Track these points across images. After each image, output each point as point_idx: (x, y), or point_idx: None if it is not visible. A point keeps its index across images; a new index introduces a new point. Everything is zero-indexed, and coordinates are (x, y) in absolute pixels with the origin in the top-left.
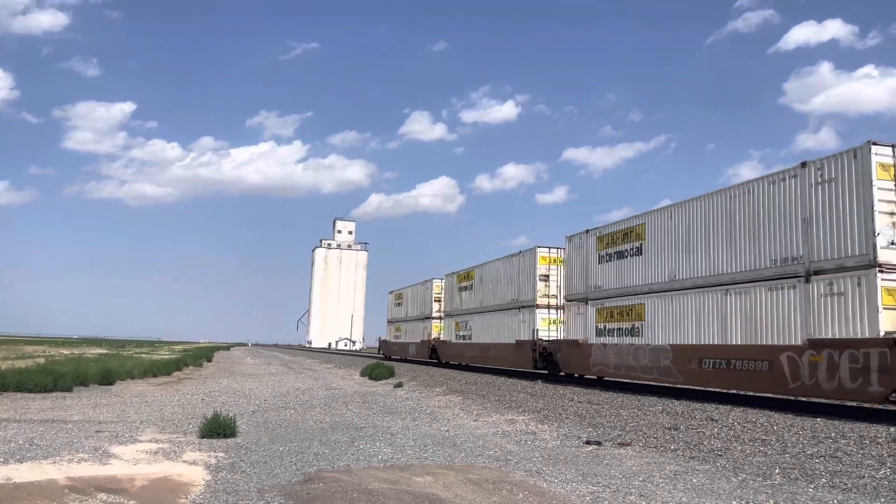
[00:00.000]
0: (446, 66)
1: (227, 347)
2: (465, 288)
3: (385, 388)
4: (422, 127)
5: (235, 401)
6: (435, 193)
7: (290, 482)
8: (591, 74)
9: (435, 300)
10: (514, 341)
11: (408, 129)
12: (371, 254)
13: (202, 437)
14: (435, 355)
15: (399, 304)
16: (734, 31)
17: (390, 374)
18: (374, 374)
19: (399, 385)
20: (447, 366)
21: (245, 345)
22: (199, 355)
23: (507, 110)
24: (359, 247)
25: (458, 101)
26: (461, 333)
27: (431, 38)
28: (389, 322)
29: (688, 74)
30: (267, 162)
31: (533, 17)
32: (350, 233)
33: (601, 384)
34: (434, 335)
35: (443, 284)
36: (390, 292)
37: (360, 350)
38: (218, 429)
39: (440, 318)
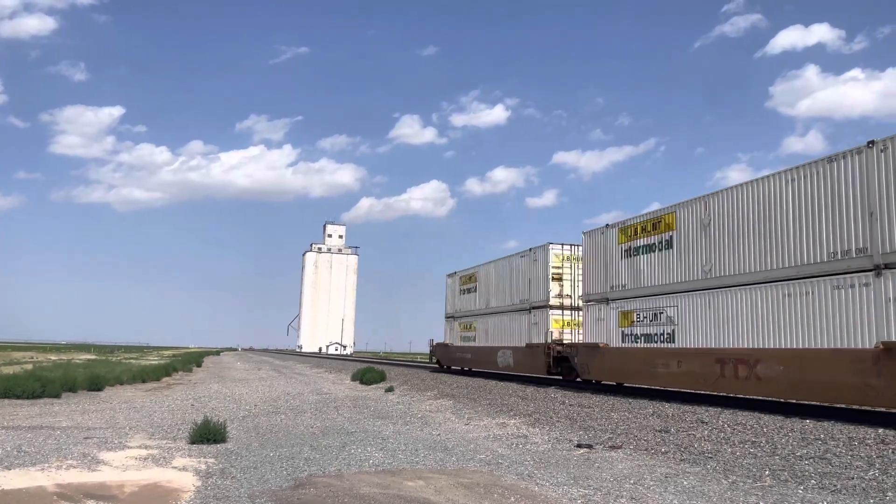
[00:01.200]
0: (436, 71)
1: (218, 352)
2: (469, 289)
3: (376, 392)
4: (412, 131)
5: (226, 406)
6: (426, 197)
7: (281, 488)
8: (580, 79)
9: (554, 278)
10: (524, 344)
11: (398, 133)
12: (362, 258)
13: (192, 442)
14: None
15: (469, 291)
16: (722, 36)
17: (381, 378)
18: (364, 378)
19: (390, 389)
20: (449, 371)
21: (235, 350)
22: (189, 360)
23: (496, 114)
24: (349, 251)
25: (448, 105)
26: (465, 335)
27: (421, 43)
28: (450, 318)
29: (676, 78)
30: (257, 166)
31: (521, 23)
32: (340, 237)
33: (593, 387)
34: (555, 333)
35: (447, 285)
36: (450, 275)
37: (351, 354)
38: (208, 434)
39: (560, 307)
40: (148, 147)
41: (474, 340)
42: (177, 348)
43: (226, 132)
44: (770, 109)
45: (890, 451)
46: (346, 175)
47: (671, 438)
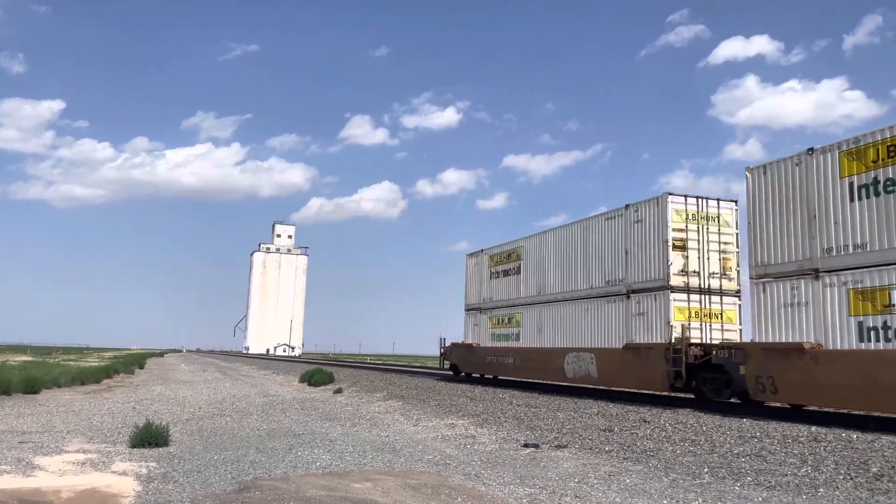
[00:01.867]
0: (388, 72)
1: (161, 354)
2: (507, 271)
3: (324, 394)
4: (363, 131)
5: (169, 409)
6: (377, 198)
7: (225, 491)
8: (530, 84)
9: (675, 245)
10: (619, 345)
11: (349, 133)
12: (311, 258)
13: (133, 446)
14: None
15: (507, 274)
16: (667, 45)
17: (330, 379)
18: (313, 380)
19: (339, 391)
20: (471, 381)
21: (180, 351)
22: (131, 362)
23: (448, 116)
24: (299, 251)
25: (400, 107)
26: (500, 333)
27: (373, 43)
28: (473, 310)
29: (623, 85)
30: (203, 164)
31: (473, 27)
32: (290, 237)
33: (539, 388)
34: (676, 328)
35: (467, 268)
36: (472, 255)
37: (300, 356)
38: (150, 438)
39: (685, 289)
40: (89, 143)
41: (517, 339)
42: (118, 350)
43: (171, 129)
44: (712, 117)
45: (822, 448)
46: (295, 174)
47: (615, 437)
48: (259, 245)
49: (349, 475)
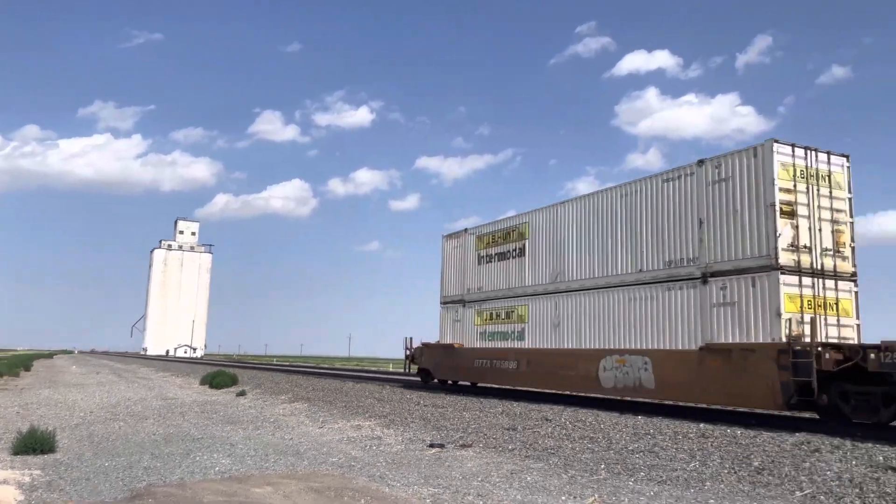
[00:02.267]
0: (300, 68)
1: (50, 355)
2: (502, 255)
3: (227, 396)
4: (273, 127)
5: (57, 413)
6: (287, 196)
7: (115, 499)
8: (444, 87)
9: (783, 211)
10: (692, 346)
11: (258, 129)
12: (216, 256)
13: (15, 453)
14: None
15: (505, 257)
16: (575, 55)
17: (233, 381)
18: (215, 382)
19: (242, 393)
20: (452, 389)
21: (71, 352)
22: (16, 364)
23: (361, 116)
24: (202, 249)
25: (312, 104)
26: (496, 331)
27: (285, 39)
28: (453, 304)
29: (533, 92)
30: (101, 155)
31: (387, 27)
32: (193, 234)
33: (447, 388)
34: (791, 323)
35: (445, 251)
36: (451, 236)
37: (202, 357)
38: (34, 444)
39: (797, 270)
40: None
41: (520, 339)
42: (3, 351)
43: (66, 117)
44: (615, 127)
45: (709, 444)
46: (200, 169)
47: (518, 436)
48: (160, 242)
49: (250, 479)
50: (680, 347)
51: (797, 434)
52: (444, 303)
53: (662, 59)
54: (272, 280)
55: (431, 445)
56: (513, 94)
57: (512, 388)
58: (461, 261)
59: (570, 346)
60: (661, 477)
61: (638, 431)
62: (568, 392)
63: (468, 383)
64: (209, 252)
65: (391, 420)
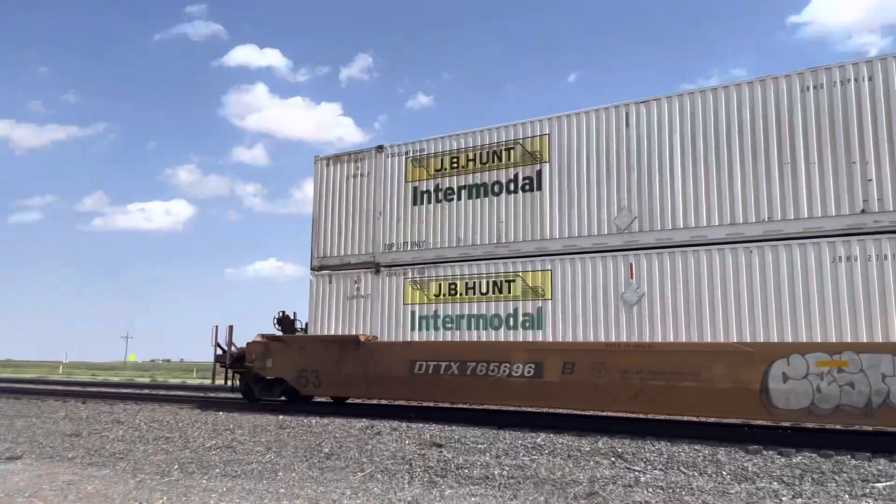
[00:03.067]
0: None
1: None
2: (478, 190)
3: None
4: None
5: None
6: None
7: None
8: (21, 41)
9: None
10: None
11: None
12: None
13: None
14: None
15: (488, 193)
16: (183, 35)
17: None
18: None
19: None
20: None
21: None
22: None
23: None
24: None
25: None
26: (456, 315)
27: None
28: (345, 270)
29: (135, 67)
30: None
31: None
32: None
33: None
34: None
35: (321, 183)
36: (333, 160)
37: None
38: None
39: None
40: None
41: (538, 326)
42: None
43: None
44: (223, 118)
45: (286, 434)
46: None
47: (81, 442)
48: None
49: None
50: None
51: (363, 420)
52: (318, 269)
53: (274, 57)
54: None
55: None
56: (111, 63)
57: (523, 408)
58: (368, 200)
59: (667, 338)
60: (235, 472)
61: (217, 427)
62: (685, 417)
63: (378, 402)
64: None
65: None
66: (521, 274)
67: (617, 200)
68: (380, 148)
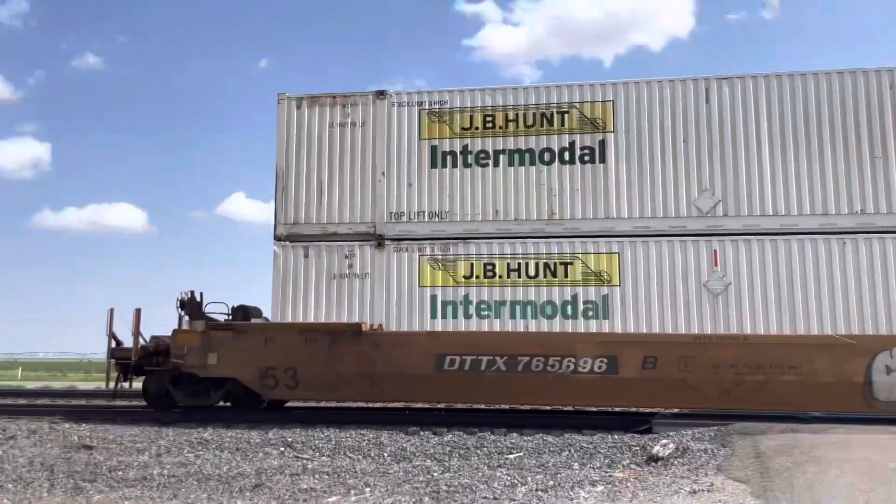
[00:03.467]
0: None
1: None
2: (520, 155)
3: None
4: None
5: None
6: None
7: None
8: None
9: None
10: None
11: None
12: None
13: None
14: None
15: (530, 159)
16: None
17: None
18: None
19: None
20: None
21: None
22: None
23: None
24: None
25: None
26: (494, 301)
27: None
28: (330, 241)
29: None
30: None
31: None
32: None
33: None
34: None
35: (288, 128)
36: (309, 100)
37: None
38: None
39: None
40: None
41: (604, 316)
42: None
43: None
44: None
45: None
46: None
47: None
48: None
49: None
50: None
51: None
52: (286, 238)
53: None
54: None
55: None
56: None
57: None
58: (364, 156)
59: (756, 330)
60: None
61: None
62: (779, 410)
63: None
64: None
65: None
66: (580, 256)
67: (698, 180)
68: (380, 93)
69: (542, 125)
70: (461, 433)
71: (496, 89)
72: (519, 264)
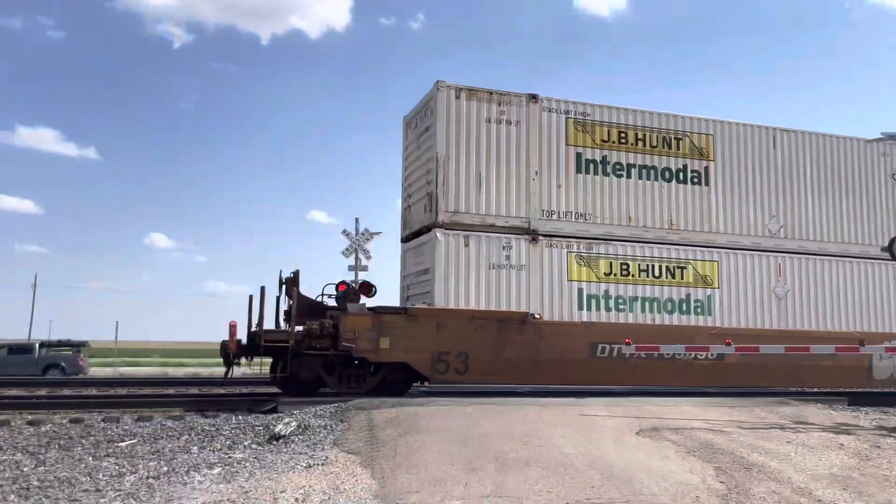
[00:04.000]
0: None
1: None
2: (647, 171)
3: None
4: None
5: None
6: None
7: None
8: None
9: None
10: None
11: None
12: None
13: None
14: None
15: (655, 174)
16: None
17: None
18: None
19: None
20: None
21: None
22: None
23: None
24: None
25: None
26: (629, 297)
27: None
28: (484, 233)
29: None
30: None
31: None
32: None
33: None
34: None
35: (446, 113)
36: (470, 92)
37: None
38: None
39: None
40: None
41: (708, 313)
42: None
43: None
44: None
45: None
46: None
47: None
48: None
49: None
50: None
51: None
52: (448, 225)
53: None
54: None
55: None
56: None
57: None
58: (519, 154)
59: (806, 327)
60: None
61: None
62: (827, 389)
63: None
64: None
65: None
66: (691, 262)
67: (768, 208)
68: (533, 97)
69: (663, 147)
70: (99, 422)
71: (628, 109)
72: (647, 266)
